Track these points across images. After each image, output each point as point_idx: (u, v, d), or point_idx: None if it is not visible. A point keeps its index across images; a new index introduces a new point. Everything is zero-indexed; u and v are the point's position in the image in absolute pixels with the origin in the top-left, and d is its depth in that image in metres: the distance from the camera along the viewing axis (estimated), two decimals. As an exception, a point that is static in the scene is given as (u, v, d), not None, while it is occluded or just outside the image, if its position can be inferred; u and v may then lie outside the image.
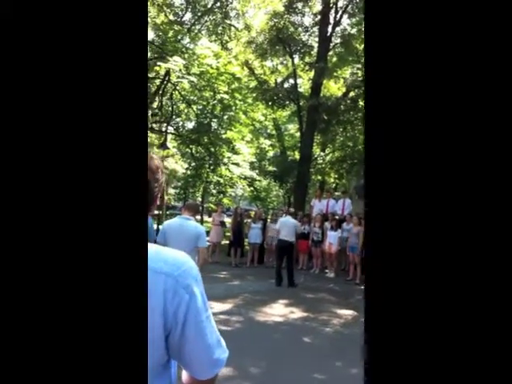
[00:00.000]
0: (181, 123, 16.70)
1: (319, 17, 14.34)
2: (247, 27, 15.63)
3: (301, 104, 14.78)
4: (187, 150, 15.61)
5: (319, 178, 18.06)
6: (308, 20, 15.25)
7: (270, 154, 19.50)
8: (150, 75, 12.21)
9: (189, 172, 16.45)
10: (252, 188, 18.04)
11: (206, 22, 16.28)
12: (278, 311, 6.02)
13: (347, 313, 6.27)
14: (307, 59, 14.91)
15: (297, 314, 5.97)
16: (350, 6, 14.30)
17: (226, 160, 14.26)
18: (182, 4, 16.17)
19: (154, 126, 14.88)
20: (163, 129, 14.62)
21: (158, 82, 13.89)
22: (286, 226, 8.14)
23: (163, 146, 12.35)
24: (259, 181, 17.51)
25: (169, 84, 13.93)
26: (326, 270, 9.55)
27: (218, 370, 1.09)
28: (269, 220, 10.68)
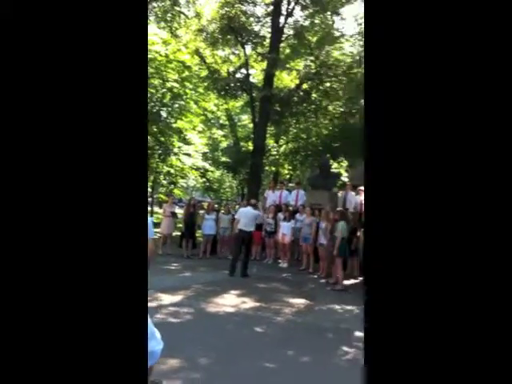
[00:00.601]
0: (128, 112, 16.09)
1: (271, 7, 14.26)
2: (198, 15, 15.28)
3: (254, 95, 14.68)
4: (136, 139, 15.06)
5: (273, 169, 18.12)
6: (260, 10, 15.15)
7: (223, 144, 19.30)
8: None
9: (138, 162, 15.89)
10: (204, 179, 17.77)
11: (155, 8, 15.73)
12: (230, 302, 5.90)
13: (300, 301, 6.26)
14: (260, 50, 14.80)
15: (249, 304, 5.87)
16: (302, -2, 14.31)
17: (176, 150, 13.88)
18: (129, -11, 15.52)
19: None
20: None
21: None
22: (245, 217, 8.07)
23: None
24: (212, 172, 17.29)
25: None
26: (279, 261, 9.56)
27: (152, 363, 0.97)
28: (222, 211, 10.55)
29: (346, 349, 4.34)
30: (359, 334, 4.90)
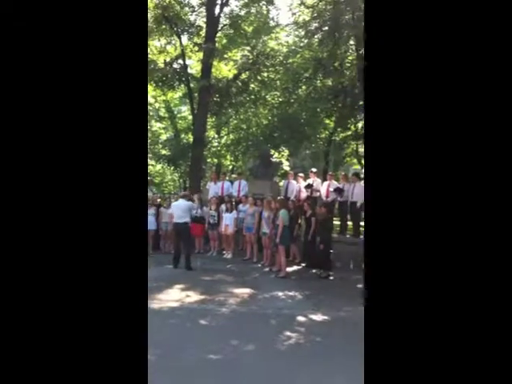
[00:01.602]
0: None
1: (206, -4, 14.06)
2: (131, 4, 14.79)
3: (192, 86, 14.48)
4: (71, 135, 14.42)
5: (215, 160, 18.03)
6: (195, 0, 14.90)
7: (163, 137, 18.90)
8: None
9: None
10: (145, 173, 17.36)
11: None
12: (174, 296, 5.86)
13: (244, 291, 6.33)
14: (196, 40, 14.58)
15: (193, 297, 5.87)
16: (236, -13, 14.24)
17: (114, 145, 13.47)
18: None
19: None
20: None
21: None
22: (178, 209, 8.06)
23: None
24: (153, 165, 16.92)
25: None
26: (224, 252, 9.58)
27: None
28: (164, 206, 10.37)
29: (288, 333, 4.47)
30: (301, 318, 5.06)
